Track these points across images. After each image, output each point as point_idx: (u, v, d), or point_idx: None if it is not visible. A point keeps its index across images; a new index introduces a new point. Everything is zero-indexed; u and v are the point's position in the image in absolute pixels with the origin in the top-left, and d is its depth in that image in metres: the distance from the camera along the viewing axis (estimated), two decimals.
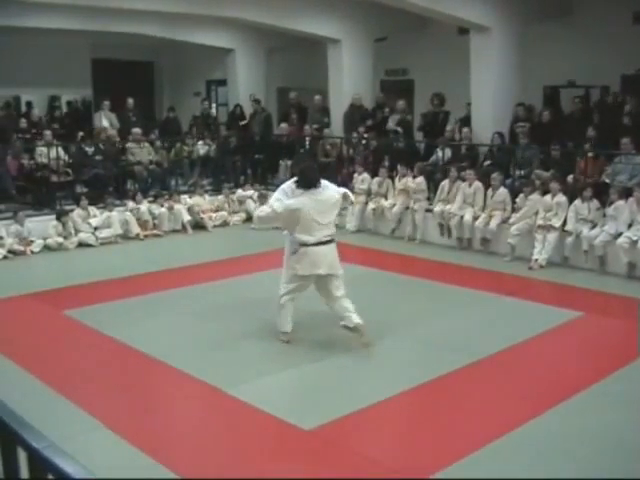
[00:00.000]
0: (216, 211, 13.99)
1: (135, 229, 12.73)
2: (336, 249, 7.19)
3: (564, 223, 10.44)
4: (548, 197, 10.70)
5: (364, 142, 14.28)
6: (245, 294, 9.33)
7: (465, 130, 12.92)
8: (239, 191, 14.58)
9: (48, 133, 13.97)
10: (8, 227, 11.67)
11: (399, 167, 12.85)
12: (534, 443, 5.19)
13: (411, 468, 4.91)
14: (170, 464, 4.90)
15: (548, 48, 13.74)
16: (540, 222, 10.59)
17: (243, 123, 16.99)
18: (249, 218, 13.84)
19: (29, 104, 19.13)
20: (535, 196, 10.87)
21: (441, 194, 12.19)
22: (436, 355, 7.10)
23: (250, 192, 14.40)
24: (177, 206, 13.39)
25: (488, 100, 12.87)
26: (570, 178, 11.07)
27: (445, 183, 12.16)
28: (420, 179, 12.40)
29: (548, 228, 10.47)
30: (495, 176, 11.43)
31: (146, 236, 12.83)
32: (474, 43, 12.85)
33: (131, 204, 13.11)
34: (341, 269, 7.19)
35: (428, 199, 12.48)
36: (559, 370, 6.72)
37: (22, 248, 11.56)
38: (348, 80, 15.29)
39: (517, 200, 11.16)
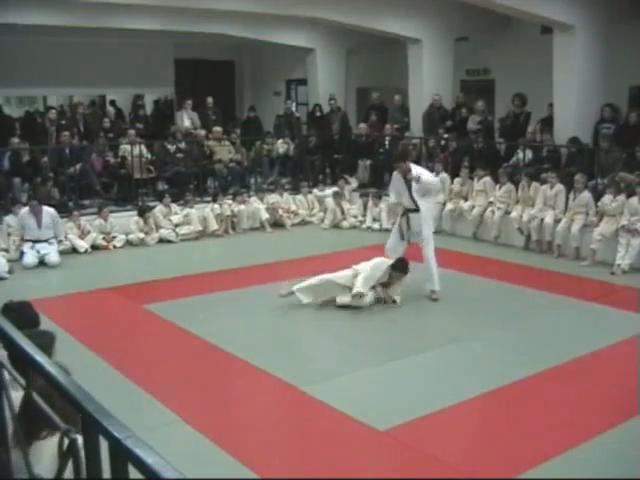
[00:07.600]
0: (294, 211, 14.07)
1: (213, 226, 12.92)
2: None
3: None
4: (633, 200, 10.40)
5: (443, 143, 14.16)
6: None
7: (547, 137, 12.67)
8: (315, 190, 14.64)
9: (132, 132, 14.32)
10: (92, 222, 12.02)
11: (478, 169, 12.71)
12: (611, 454, 5.06)
13: (485, 473, 4.86)
14: (246, 461, 4.95)
15: (634, 47, 13.34)
16: (624, 222, 10.29)
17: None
18: None
19: (113, 103, 19.62)
20: (622, 197, 10.58)
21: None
22: (513, 359, 7.01)
23: (329, 191, 14.43)
24: (255, 204, 13.55)
25: (571, 101, 12.59)
26: None
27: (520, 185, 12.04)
28: (507, 187, 12.22)
29: (633, 232, 10.19)
30: (578, 178, 11.13)
31: (225, 231, 13.10)
32: (557, 42, 12.59)
33: (216, 205, 13.20)
34: None
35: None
36: None
37: (105, 243, 11.88)
38: (428, 80, 15.18)
39: (599, 204, 10.88)
